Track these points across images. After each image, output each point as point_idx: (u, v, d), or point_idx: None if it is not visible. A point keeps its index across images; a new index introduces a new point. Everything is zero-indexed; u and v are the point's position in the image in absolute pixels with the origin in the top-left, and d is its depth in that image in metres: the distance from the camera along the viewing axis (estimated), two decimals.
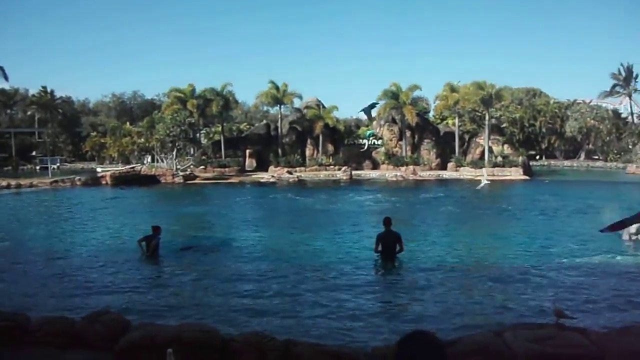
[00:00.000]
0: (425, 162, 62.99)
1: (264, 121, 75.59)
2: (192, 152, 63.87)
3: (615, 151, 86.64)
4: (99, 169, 65.48)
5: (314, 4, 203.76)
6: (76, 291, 13.69)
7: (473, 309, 12.11)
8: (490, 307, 12.29)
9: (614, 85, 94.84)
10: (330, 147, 64.59)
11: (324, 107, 65.83)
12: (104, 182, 49.73)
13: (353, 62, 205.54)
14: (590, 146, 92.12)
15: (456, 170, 60.72)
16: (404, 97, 62.33)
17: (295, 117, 66.42)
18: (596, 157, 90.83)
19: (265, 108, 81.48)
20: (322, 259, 17.52)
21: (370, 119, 63.54)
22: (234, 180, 55.40)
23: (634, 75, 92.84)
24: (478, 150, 64.71)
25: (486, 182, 37.53)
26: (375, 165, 64.27)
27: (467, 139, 68.61)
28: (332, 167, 60.35)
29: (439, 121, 74.67)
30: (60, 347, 8.03)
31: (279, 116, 66.12)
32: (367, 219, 26.50)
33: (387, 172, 59.41)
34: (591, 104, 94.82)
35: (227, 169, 60.59)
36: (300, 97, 66.30)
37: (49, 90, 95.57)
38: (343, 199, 38.90)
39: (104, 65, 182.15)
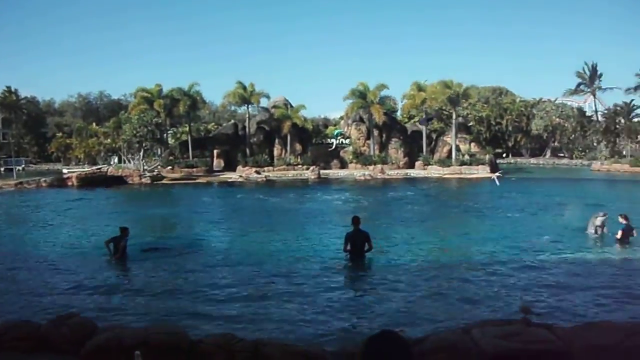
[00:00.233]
0: (393, 161, 63.56)
1: (232, 121, 75.44)
2: (159, 152, 63.68)
3: (580, 149, 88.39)
4: (64, 170, 64.82)
5: (282, 4, 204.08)
6: (42, 294, 13.54)
7: (441, 307, 12.15)
8: (458, 304, 12.37)
9: (579, 84, 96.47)
10: (299, 147, 64.94)
11: (291, 106, 66.13)
12: (69, 184, 49.18)
13: (321, 62, 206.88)
14: (556, 144, 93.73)
15: (424, 169, 61.40)
16: (371, 97, 63.05)
17: (263, 117, 66.61)
18: (562, 154, 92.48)
19: (232, 108, 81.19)
20: (291, 258, 17.45)
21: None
22: (202, 180, 55.36)
23: (598, 74, 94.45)
24: (445, 149, 65.59)
25: (497, 176, 37.01)
26: (344, 165, 64.70)
27: (434, 137, 69.57)
28: (300, 166, 60.67)
29: (406, 120, 75.46)
30: (26, 352, 7.96)
31: (247, 116, 66.19)
32: (335, 218, 26.56)
33: (355, 171, 59.82)
34: (556, 102, 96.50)
35: (194, 169, 60.39)
36: (268, 97, 66.68)
37: (13, 90, 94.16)
38: (311, 198, 39.26)
39: (70, 65, 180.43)
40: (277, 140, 65.03)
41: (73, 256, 18.44)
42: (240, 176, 56.57)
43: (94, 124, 78.46)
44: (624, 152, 79.44)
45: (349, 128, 67.33)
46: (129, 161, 56.84)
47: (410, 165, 63.91)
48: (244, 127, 66.27)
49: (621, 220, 19.18)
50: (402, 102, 69.62)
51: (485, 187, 47.61)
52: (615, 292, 13.06)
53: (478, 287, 13.79)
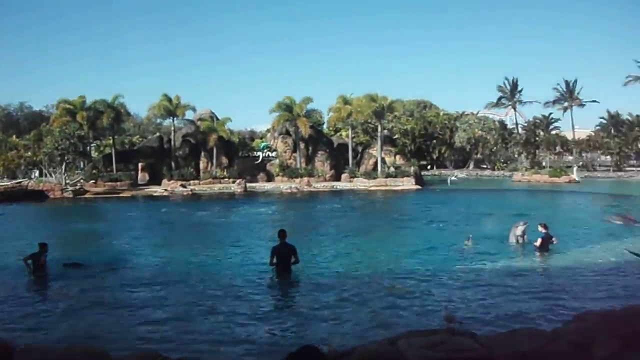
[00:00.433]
0: (320, 174, 63.94)
1: (157, 134, 74.50)
2: (82, 165, 62.42)
3: (502, 160, 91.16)
4: None
5: (206, 17, 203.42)
6: None
7: (367, 318, 12.42)
8: (384, 315, 12.66)
9: (500, 98, 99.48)
10: (225, 160, 64.78)
11: (217, 119, 66.04)
12: None
13: (247, 74, 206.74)
14: (479, 156, 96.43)
15: (350, 181, 62.00)
16: (297, 110, 63.62)
17: (188, 130, 66.08)
18: (484, 166, 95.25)
19: (158, 120, 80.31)
20: (217, 273, 17.51)
21: None
22: (126, 194, 54.48)
23: (518, 88, 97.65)
24: (371, 161, 66.66)
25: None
26: (270, 177, 64.80)
27: (360, 150, 70.58)
28: (226, 179, 60.44)
29: (332, 133, 76.39)
30: None
31: (172, 129, 65.45)
32: (262, 232, 26.81)
33: (282, 184, 59.92)
34: (479, 115, 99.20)
35: (118, 183, 59.14)
36: (194, 109, 66.24)
37: None
38: (238, 211, 39.23)
39: None
40: (203, 154, 64.59)
41: None
42: (166, 190, 55.93)
43: (14, 136, 76.42)
44: (544, 163, 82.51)
45: (276, 141, 67.61)
46: (51, 175, 55.53)
47: (337, 177, 64.39)
48: (170, 140, 65.51)
49: (541, 229, 20.15)
50: (328, 115, 70.19)
51: (411, 199, 48.64)
52: (535, 299, 13.78)
53: (403, 297, 14.16)
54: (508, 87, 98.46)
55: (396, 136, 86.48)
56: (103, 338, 10.95)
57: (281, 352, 9.62)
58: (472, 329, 9.39)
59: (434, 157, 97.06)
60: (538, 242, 19.91)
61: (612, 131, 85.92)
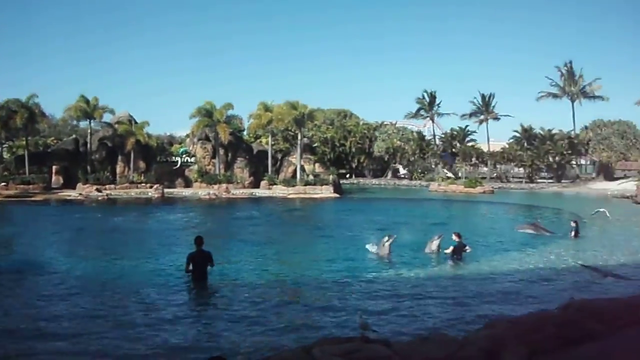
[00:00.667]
0: (239, 180, 64.16)
1: (73, 136, 73.09)
2: None
3: (420, 170, 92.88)
4: None
5: (126, 19, 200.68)
6: None
7: (282, 326, 12.57)
8: (299, 323, 12.82)
9: (419, 109, 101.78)
10: (142, 164, 64.05)
11: (136, 122, 65.25)
12: None
13: (167, 78, 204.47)
14: (397, 165, 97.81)
15: (269, 189, 62.45)
16: (218, 115, 63.82)
17: (105, 133, 65.03)
18: (402, 175, 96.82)
19: (74, 122, 78.75)
20: (131, 281, 17.32)
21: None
22: (39, 198, 53.43)
23: (437, 101, 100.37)
24: (290, 169, 67.43)
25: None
26: (188, 183, 64.58)
27: (280, 157, 71.14)
28: (143, 184, 59.89)
29: (252, 140, 76.68)
30: None
31: (89, 131, 64.32)
32: (179, 238, 26.69)
33: (200, 190, 59.93)
34: (397, 125, 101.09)
35: (31, 186, 57.67)
36: (112, 112, 65.21)
37: None
38: (154, 217, 39.17)
39: None
40: (120, 157, 63.62)
41: None
42: (80, 194, 54.92)
43: None
44: (460, 174, 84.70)
45: (195, 146, 67.40)
46: None
47: (256, 184, 64.52)
48: (86, 143, 64.16)
49: (454, 237, 21.16)
50: (248, 121, 70.42)
51: (329, 207, 49.49)
52: (448, 306, 14.43)
53: (318, 305, 14.53)
54: (427, 99, 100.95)
55: (316, 144, 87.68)
56: (4, 354, 10.80)
57: None
58: (386, 337, 9.87)
59: (353, 165, 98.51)
60: (449, 250, 20.99)
61: (525, 144, 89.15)
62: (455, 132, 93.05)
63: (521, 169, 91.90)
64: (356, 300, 14.99)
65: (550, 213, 42.25)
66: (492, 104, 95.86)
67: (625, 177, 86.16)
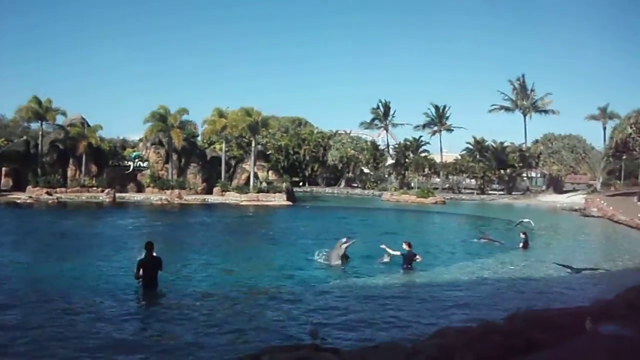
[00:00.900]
0: (192, 186, 64.01)
1: (24, 137, 71.79)
2: None
3: (373, 180, 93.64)
4: None
5: (82, 21, 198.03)
6: None
7: (231, 334, 12.51)
8: (249, 330, 12.81)
9: (373, 119, 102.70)
10: (94, 168, 63.24)
11: (88, 125, 64.50)
12: None
13: (121, 82, 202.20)
14: (350, 174, 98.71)
15: (222, 195, 62.33)
16: (172, 120, 63.53)
17: (57, 135, 63.94)
18: (355, 184, 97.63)
19: (26, 124, 77.39)
20: (79, 286, 16.89)
21: None
22: None
23: (391, 111, 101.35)
24: (244, 176, 67.42)
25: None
26: (140, 188, 64.06)
27: (233, 164, 70.99)
28: (95, 188, 59.16)
29: (206, 146, 76.42)
30: None
31: (40, 133, 63.31)
32: (129, 244, 26.36)
33: (152, 195, 59.65)
34: (352, 135, 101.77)
35: None
36: (64, 114, 64.18)
37: None
38: (105, 222, 38.80)
39: None
40: (71, 160, 62.66)
41: None
42: (30, 197, 53.80)
43: None
44: (412, 184, 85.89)
45: (148, 151, 67.07)
46: None
47: (209, 191, 64.34)
48: (37, 145, 63.01)
49: (405, 246, 21.24)
50: (202, 127, 70.22)
51: (282, 215, 49.70)
52: (397, 315, 14.53)
53: (268, 313, 14.56)
54: (381, 109, 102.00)
55: (270, 152, 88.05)
56: None
57: None
58: (336, 345, 10.00)
59: (307, 174, 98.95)
60: (395, 252, 21.46)
61: (478, 156, 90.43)
62: (408, 143, 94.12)
63: (473, 180, 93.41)
64: (306, 309, 15.02)
65: (501, 224, 43.06)
66: (446, 116, 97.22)
67: (574, 190, 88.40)
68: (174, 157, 65.62)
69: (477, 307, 15.67)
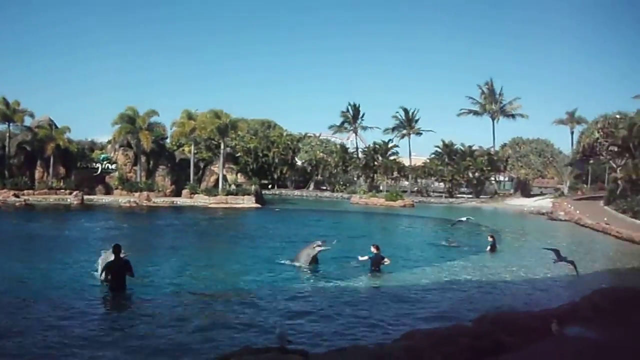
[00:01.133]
0: (160, 189, 63.83)
1: None
2: None
3: (342, 182, 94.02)
4: None
5: (48, 21, 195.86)
6: None
7: (199, 336, 12.53)
8: (217, 332, 12.83)
9: (343, 122, 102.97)
10: (62, 170, 62.59)
11: (56, 127, 63.93)
12: None
13: (89, 82, 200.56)
14: (319, 177, 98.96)
15: (190, 197, 62.27)
16: (140, 122, 63.21)
17: (25, 137, 63.25)
18: (324, 187, 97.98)
19: None
20: (44, 290, 16.70)
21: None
22: None
23: (360, 114, 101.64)
24: (213, 178, 67.28)
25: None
26: (109, 190, 63.71)
27: (202, 166, 70.78)
28: (62, 190, 58.71)
29: (175, 148, 76.04)
30: None
31: (7, 135, 62.53)
32: (96, 247, 24.90)
33: (121, 198, 59.30)
34: (321, 137, 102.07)
35: None
36: (32, 116, 63.34)
37: None
38: (72, 224, 38.62)
39: None
40: (39, 162, 62.00)
41: None
42: None
43: None
44: (381, 187, 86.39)
45: (116, 153, 66.62)
46: None
47: (177, 193, 64.17)
48: (4, 147, 62.12)
49: (373, 249, 21.36)
50: (171, 129, 69.91)
51: (250, 218, 49.77)
52: (365, 317, 14.69)
53: (236, 315, 14.57)
54: (351, 112, 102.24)
55: (239, 154, 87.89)
56: None
57: None
58: (304, 348, 9.98)
59: (276, 176, 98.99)
60: (364, 258, 21.46)
61: (446, 159, 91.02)
62: (377, 146, 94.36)
63: (441, 183, 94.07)
64: (274, 311, 15.13)
65: (471, 227, 43.47)
66: (415, 119, 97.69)
67: (541, 194, 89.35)
68: (143, 159, 65.28)
69: (445, 310, 15.80)
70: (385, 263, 21.31)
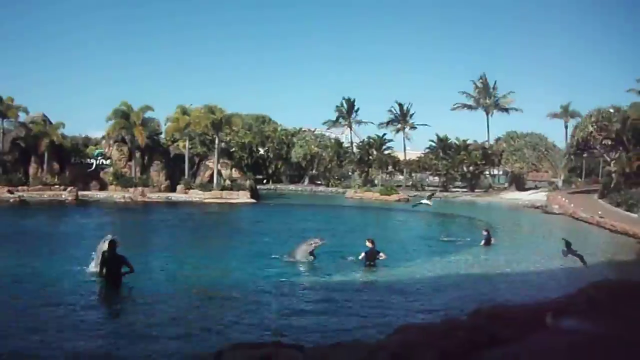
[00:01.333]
0: (155, 184, 63.70)
1: None
2: None
3: (337, 177, 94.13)
4: None
5: (43, 18, 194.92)
6: None
7: (193, 331, 12.58)
8: (210, 328, 12.86)
9: (338, 117, 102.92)
10: (56, 166, 62.32)
11: (50, 123, 63.82)
12: None
13: (83, 78, 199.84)
14: (314, 172, 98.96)
15: (185, 193, 62.30)
16: (135, 118, 63.07)
17: (19, 133, 63.00)
18: (319, 182, 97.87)
19: None
20: (40, 286, 16.73)
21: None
22: None
23: (355, 108, 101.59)
24: (207, 173, 67.20)
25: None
26: (103, 186, 63.40)
27: (197, 161, 70.61)
28: (57, 186, 58.28)
29: (170, 143, 75.86)
30: None
31: (1, 131, 62.36)
32: (91, 242, 24.97)
33: (115, 193, 59.23)
34: (315, 132, 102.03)
35: None
36: (26, 112, 63.16)
37: None
38: (67, 220, 38.76)
39: None
40: (33, 159, 61.70)
41: None
42: None
43: None
44: (376, 181, 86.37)
45: (111, 148, 66.51)
46: None
47: (172, 188, 64.03)
48: None
49: (368, 244, 21.37)
50: (165, 124, 69.76)
51: (245, 213, 49.83)
52: (361, 312, 14.73)
53: (232, 310, 14.62)
54: (345, 107, 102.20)
55: (233, 149, 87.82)
56: None
57: None
58: (299, 342, 9.89)
59: (270, 171, 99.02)
60: (361, 256, 21.53)
61: (441, 154, 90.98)
62: (372, 140, 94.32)
63: (436, 177, 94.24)
64: (269, 306, 15.19)
65: (465, 221, 43.59)
66: (410, 114, 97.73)
67: (536, 187, 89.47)
68: (137, 154, 65.15)
69: (440, 304, 15.85)
70: (381, 258, 21.30)
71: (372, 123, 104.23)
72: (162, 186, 64.57)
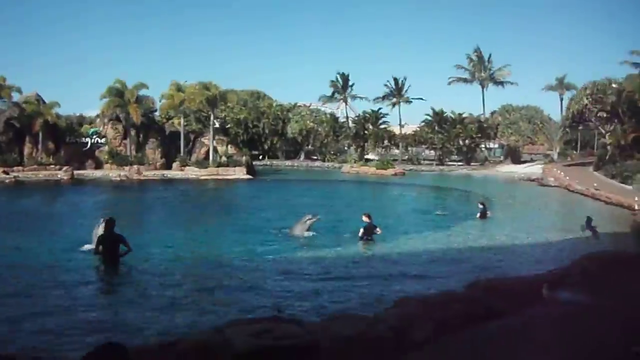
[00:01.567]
0: (150, 162, 63.65)
1: None
2: None
3: (332, 152, 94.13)
4: None
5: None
6: None
7: (194, 307, 12.66)
8: (211, 303, 12.97)
9: (333, 92, 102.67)
10: (51, 146, 62.06)
11: (44, 102, 63.57)
12: None
13: (77, 56, 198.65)
14: (310, 147, 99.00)
15: (181, 170, 62.51)
16: (129, 95, 62.76)
17: (13, 113, 62.75)
18: (315, 157, 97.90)
19: None
20: (38, 264, 16.75)
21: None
22: None
23: (350, 83, 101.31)
24: (203, 150, 67.22)
25: None
26: (99, 165, 63.35)
27: (192, 138, 70.48)
28: (52, 166, 58.34)
29: (165, 120, 75.68)
30: None
31: None
32: (88, 221, 24.05)
33: (111, 172, 59.44)
34: (311, 107, 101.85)
35: None
36: (19, 91, 62.91)
37: None
38: (63, 200, 38.88)
39: None
40: (27, 138, 61.37)
41: None
42: None
43: None
44: (371, 156, 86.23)
45: (105, 127, 66.21)
46: None
47: (168, 166, 64.15)
48: None
49: (364, 218, 21.53)
50: (160, 102, 69.53)
51: (242, 189, 49.97)
52: (358, 285, 14.81)
53: (231, 286, 14.68)
54: (340, 82, 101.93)
55: (229, 125, 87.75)
56: None
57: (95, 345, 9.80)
58: (299, 316, 10.08)
59: (266, 147, 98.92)
60: (360, 232, 21.70)
61: (436, 127, 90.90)
62: (367, 115, 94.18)
63: (432, 151, 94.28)
64: (269, 281, 15.27)
65: (460, 194, 43.76)
66: (405, 88, 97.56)
67: (531, 160, 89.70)
68: (132, 132, 64.99)
69: (437, 277, 15.91)
70: (377, 232, 21.50)
71: (367, 99, 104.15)
72: (158, 164, 64.43)
